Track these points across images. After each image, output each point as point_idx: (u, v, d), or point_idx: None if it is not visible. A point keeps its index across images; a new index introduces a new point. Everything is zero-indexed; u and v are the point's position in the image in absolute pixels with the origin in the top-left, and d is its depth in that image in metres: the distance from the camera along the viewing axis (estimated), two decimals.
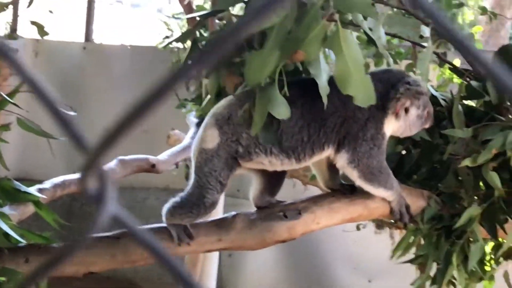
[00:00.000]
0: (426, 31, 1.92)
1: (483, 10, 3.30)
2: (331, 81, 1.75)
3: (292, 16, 1.60)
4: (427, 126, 1.93)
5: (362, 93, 1.63)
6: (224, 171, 1.80)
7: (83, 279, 1.81)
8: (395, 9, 2.18)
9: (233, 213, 1.85)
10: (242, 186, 5.18)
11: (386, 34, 2.10)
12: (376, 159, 1.82)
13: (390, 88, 1.85)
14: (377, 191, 1.85)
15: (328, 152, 1.82)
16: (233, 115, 1.79)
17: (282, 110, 1.66)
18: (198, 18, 2.48)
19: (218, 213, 3.95)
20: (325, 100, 1.68)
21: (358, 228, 2.87)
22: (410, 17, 2.06)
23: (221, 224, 1.83)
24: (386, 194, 1.86)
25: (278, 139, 1.76)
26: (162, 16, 4.28)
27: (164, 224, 1.81)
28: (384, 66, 3.16)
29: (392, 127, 1.87)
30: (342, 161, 1.82)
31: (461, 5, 3.07)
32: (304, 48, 1.59)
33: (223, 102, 1.85)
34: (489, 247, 2.36)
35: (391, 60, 2.14)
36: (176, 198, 1.84)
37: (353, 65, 1.59)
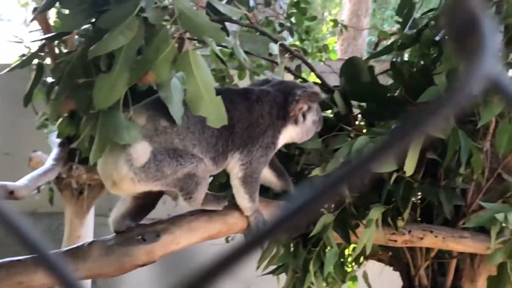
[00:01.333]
0: (274, 48, 1.99)
1: (335, 23, 3.48)
2: (243, 89, 1.91)
3: (140, 37, 1.58)
4: (319, 129, 2.04)
5: (214, 114, 1.63)
6: (180, 157, 1.76)
7: None
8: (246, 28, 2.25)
9: (89, 240, 1.80)
10: (114, 205, 5.05)
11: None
12: (261, 166, 1.90)
13: (288, 95, 1.93)
14: (244, 198, 1.89)
15: (233, 157, 1.87)
16: (157, 126, 1.75)
17: (127, 136, 1.64)
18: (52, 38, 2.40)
19: (88, 234, 3.83)
20: (179, 122, 1.69)
21: (227, 240, 2.91)
22: (260, 35, 2.12)
23: (77, 253, 1.77)
24: (248, 205, 1.90)
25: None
26: (17, 33, 4.07)
27: None
28: (247, 78, 3.23)
29: (290, 134, 1.96)
30: (235, 161, 1.87)
31: (314, 18, 3.21)
32: (154, 69, 1.57)
33: (135, 116, 1.74)
34: (349, 249, 2.48)
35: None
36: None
37: (203, 87, 1.59)
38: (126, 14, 1.55)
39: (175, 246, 1.81)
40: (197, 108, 1.62)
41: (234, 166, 1.88)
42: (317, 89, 2.00)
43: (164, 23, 1.62)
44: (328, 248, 1.99)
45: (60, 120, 2.30)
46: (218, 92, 1.86)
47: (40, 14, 1.99)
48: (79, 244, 1.81)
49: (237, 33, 2.02)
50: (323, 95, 2.20)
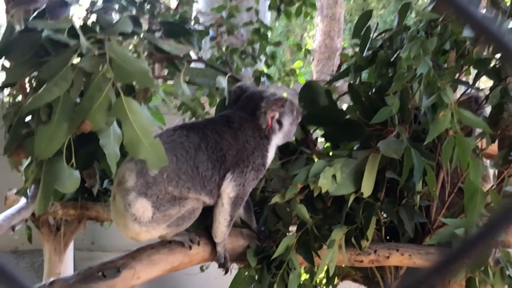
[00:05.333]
0: (222, 81, 2.03)
1: (299, 47, 3.54)
2: (224, 117, 1.94)
3: (79, 86, 1.61)
4: (299, 121, 2.10)
5: (153, 157, 1.63)
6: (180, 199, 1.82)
7: None
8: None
9: (51, 279, 1.81)
10: (96, 238, 5.03)
11: (191, 83, 2.19)
12: (250, 189, 1.95)
13: (255, 111, 1.98)
14: (224, 220, 1.92)
15: (225, 179, 1.90)
16: (147, 179, 1.78)
17: (69, 183, 1.65)
18: None
19: (67, 270, 3.81)
20: (113, 169, 1.70)
21: (201, 269, 2.91)
22: (209, 68, 2.16)
23: None
24: (224, 229, 1.93)
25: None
26: None
27: None
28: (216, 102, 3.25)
29: (275, 144, 2.02)
30: (227, 182, 1.89)
31: (278, 43, 3.25)
32: (89, 118, 1.58)
33: (126, 175, 1.80)
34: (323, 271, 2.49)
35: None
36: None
37: (140, 131, 1.59)
38: (61, 65, 1.57)
39: (136, 281, 1.82)
40: (136, 152, 1.62)
41: (227, 186, 1.90)
42: (281, 95, 2.05)
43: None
44: (292, 270, 2.00)
45: (25, 165, 2.30)
46: (202, 124, 1.92)
47: None
48: (41, 284, 1.82)
49: (183, 68, 2.05)
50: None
